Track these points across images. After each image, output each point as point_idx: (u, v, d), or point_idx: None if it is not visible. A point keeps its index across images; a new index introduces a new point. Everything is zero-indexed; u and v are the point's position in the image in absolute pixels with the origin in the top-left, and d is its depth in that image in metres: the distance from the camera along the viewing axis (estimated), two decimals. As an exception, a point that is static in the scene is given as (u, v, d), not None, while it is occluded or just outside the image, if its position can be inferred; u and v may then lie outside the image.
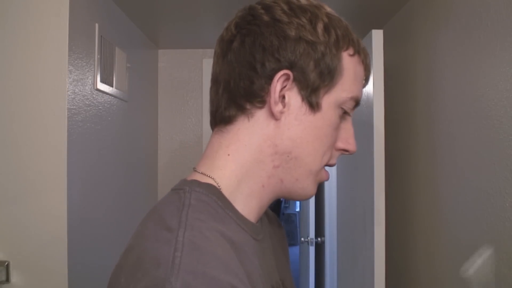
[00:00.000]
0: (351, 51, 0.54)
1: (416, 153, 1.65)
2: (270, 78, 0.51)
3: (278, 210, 7.18)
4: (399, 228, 1.80)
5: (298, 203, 7.43)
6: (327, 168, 0.58)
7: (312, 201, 2.63)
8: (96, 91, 1.55)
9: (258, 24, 0.52)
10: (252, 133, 0.53)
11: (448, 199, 1.37)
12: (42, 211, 1.27)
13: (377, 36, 1.58)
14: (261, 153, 0.53)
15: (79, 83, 1.39)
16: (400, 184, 1.81)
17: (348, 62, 0.53)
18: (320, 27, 0.52)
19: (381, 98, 1.56)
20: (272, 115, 0.52)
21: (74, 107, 1.36)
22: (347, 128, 0.57)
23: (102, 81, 1.59)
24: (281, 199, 7.32)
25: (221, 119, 0.55)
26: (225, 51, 0.54)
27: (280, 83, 0.51)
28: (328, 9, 0.54)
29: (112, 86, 1.69)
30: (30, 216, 1.27)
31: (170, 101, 2.50)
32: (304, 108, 0.52)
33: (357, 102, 0.56)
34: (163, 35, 2.26)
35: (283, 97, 0.52)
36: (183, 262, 0.40)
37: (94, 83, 1.52)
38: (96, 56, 1.53)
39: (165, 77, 2.50)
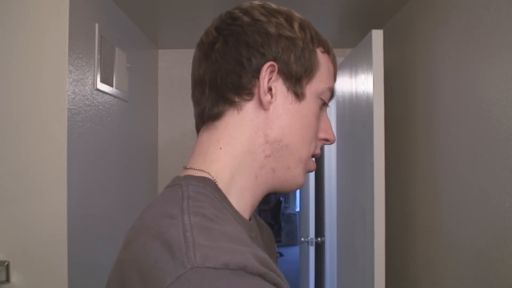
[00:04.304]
0: (322, 49, 0.59)
1: (416, 153, 1.65)
2: (257, 71, 0.54)
3: (278, 210, 7.18)
4: (399, 228, 1.80)
5: (298, 203, 7.42)
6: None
7: (312, 201, 2.63)
8: (96, 91, 1.55)
9: (240, 25, 0.55)
10: (242, 125, 0.55)
11: (448, 199, 1.37)
12: (42, 211, 1.27)
13: (377, 36, 1.58)
14: (252, 144, 0.55)
15: (79, 83, 1.39)
16: (400, 184, 1.81)
17: (322, 57, 0.58)
18: (296, 25, 0.56)
19: (381, 98, 1.56)
20: (261, 106, 0.54)
21: (74, 107, 1.36)
22: (325, 120, 0.61)
23: (102, 81, 1.59)
24: (281, 199, 7.34)
25: (209, 116, 0.56)
26: (207, 53, 0.57)
27: (267, 74, 0.54)
28: (298, 15, 0.60)
29: (112, 86, 1.69)
30: (30, 216, 1.27)
31: (170, 101, 2.50)
32: (290, 97, 0.55)
33: (332, 92, 0.61)
34: (163, 35, 2.26)
35: (270, 88, 0.55)
36: (196, 239, 0.40)
37: (94, 83, 1.52)
38: (96, 56, 1.53)
39: (165, 77, 2.50)
